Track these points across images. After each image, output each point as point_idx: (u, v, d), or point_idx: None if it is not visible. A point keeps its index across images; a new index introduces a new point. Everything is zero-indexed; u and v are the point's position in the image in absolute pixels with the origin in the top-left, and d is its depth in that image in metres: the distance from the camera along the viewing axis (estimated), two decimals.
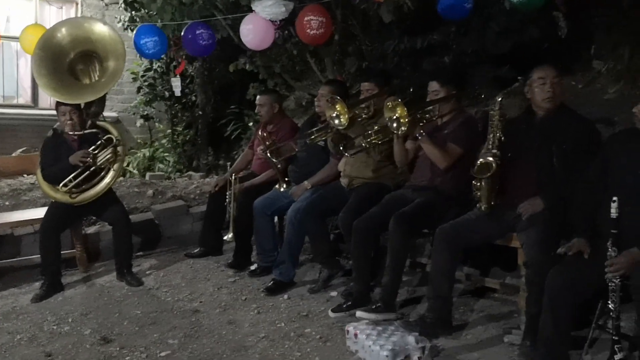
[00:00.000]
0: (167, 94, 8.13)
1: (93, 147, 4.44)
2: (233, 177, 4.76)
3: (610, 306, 2.66)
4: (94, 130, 4.53)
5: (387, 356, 2.98)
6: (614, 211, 2.63)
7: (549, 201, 3.10)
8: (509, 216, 3.25)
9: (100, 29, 4.81)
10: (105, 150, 4.45)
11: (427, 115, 3.64)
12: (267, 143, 4.55)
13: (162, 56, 7.13)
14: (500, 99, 3.24)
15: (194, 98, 8.31)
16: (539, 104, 3.24)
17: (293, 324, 3.68)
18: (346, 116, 3.80)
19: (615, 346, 2.68)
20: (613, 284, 2.63)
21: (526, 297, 3.08)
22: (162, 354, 3.36)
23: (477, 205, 3.31)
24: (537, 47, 5.17)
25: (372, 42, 5.30)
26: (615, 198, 2.63)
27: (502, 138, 3.20)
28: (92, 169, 4.43)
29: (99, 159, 4.44)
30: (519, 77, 3.36)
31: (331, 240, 4.56)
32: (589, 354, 2.97)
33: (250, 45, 4.98)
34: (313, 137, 4.17)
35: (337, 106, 3.84)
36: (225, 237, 4.75)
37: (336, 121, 3.83)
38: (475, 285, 3.94)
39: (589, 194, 2.91)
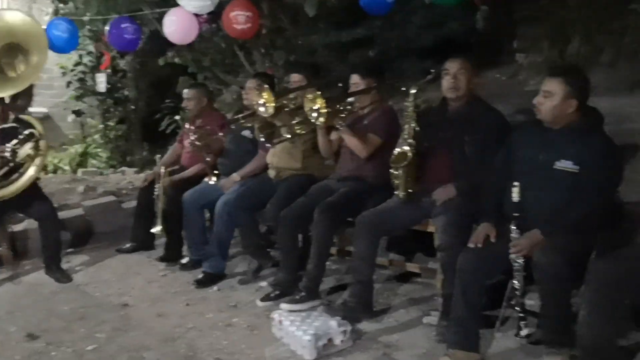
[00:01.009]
0: None
1: (14, 141, 4.36)
2: (163, 170, 4.76)
3: (515, 285, 2.82)
4: (13, 124, 4.44)
5: (309, 340, 3.07)
6: (515, 195, 2.80)
7: (461, 188, 3.25)
8: (425, 203, 3.39)
9: (21, 20, 4.70)
10: (25, 145, 4.37)
11: (349, 107, 3.74)
12: (196, 136, 4.56)
13: (92, 50, 7.01)
14: (413, 91, 3.37)
15: (126, 92, 8.20)
16: (444, 94, 3.38)
17: (222, 314, 3.73)
18: (273, 105, 3.86)
19: (521, 322, 2.84)
20: (517, 264, 2.79)
21: (442, 280, 3.22)
22: (89, 347, 3.35)
23: (396, 192, 3.43)
24: (460, 40, 5.35)
25: (300, 36, 5.38)
26: (516, 183, 2.80)
27: (417, 128, 3.33)
28: (11, 164, 4.34)
29: (19, 154, 4.35)
30: (432, 70, 3.50)
31: (263, 232, 4.63)
32: (501, 331, 3.14)
33: (174, 38, 4.96)
34: (240, 122, 4.22)
35: (264, 94, 3.90)
36: (152, 230, 4.74)
37: (262, 109, 3.89)
38: (400, 270, 4.08)
39: (496, 181, 3.07)
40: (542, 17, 5.35)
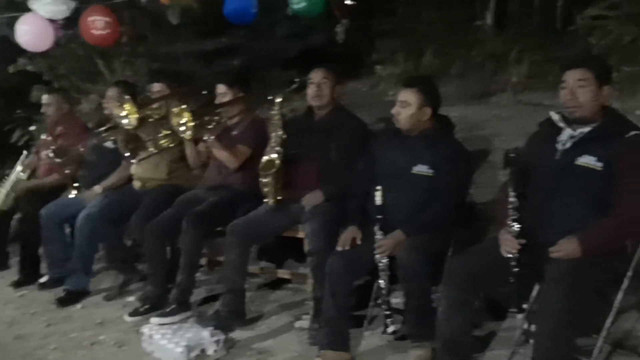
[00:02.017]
0: None
1: None
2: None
3: (381, 284, 2.96)
4: None
5: (181, 352, 3.02)
6: (378, 199, 2.95)
7: (329, 193, 3.36)
8: (294, 209, 3.45)
9: None
10: None
11: (216, 118, 3.73)
12: (53, 147, 4.33)
13: None
14: (279, 100, 3.44)
15: None
16: (309, 103, 3.49)
17: (87, 332, 3.58)
18: (135, 116, 3.76)
19: (387, 320, 2.98)
20: (382, 264, 2.93)
21: (312, 284, 3.30)
22: None
23: (265, 200, 3.47)
24: (323, 51, 5.50)
25: (162, 44, 5.27)
26: (378, 187, 2.94)
27: (284, 136, 3.40)
28: None
29: None
30: (296, 79, 3.61)
31: (128, 245, 4.48)
32: (369, 330, 3.27)
33: (28, 46, 4.69)
34: (103, 135, 4.07)
35: (126, 106, 3.78)
36: None
37: (125, 121, 3.77)
38: (271, 277, 4.12)
39: (359, 185, 3.20)
40: (397, 31, 5.65)
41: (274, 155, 3.38)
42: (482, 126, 4.42)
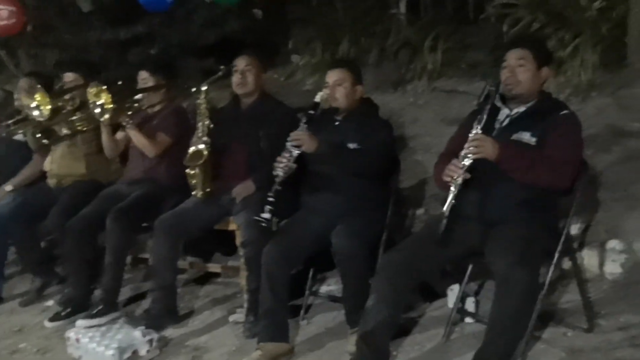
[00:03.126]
0: None
1: None
2: None
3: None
4: None
5: (113, 355, 2.91)
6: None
7: (260, 183, 3.29)
8: (224, 200, 3.38)
9: None
10: None
11: (136, 105, 3.60)
12: None
13: None
14: (205, 88, 3.36)
15: None
16: (234, 91, 3.45)
17: (5, 341, 3.40)
18: (48, 107, 3.55)
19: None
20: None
21: (246, 276, 3.24)
22: None
23: (193, 193, 3.37)
24: (239, 40, 5.41)
25: (72, 33, 5.00)
26: None
27: (211, 126, 3.31)
28: None
29: None
30: (222, 67, 3.53)
31: (43, 246, 4.24)
32: (305, 319, 3.26)
33: None
34: (11, 129, 3.82)
35: (37, 96, 3.57)
36: None
37: (36, 112, 3.56)
38: (199, 272, 4.02)
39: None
40: (313, 20, 5.62)
41: (202, 146, 3.29)
42: (400, 114, 4.50)
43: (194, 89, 3.45)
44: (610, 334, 2.60)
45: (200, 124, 3.35)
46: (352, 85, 3.11)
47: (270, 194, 2.83)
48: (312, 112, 2.98)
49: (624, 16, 4.00)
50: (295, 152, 2.89)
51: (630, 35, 3.96)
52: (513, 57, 2.60)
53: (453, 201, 2.43)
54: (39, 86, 3.61)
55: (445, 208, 2.45)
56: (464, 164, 2.43)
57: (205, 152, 3.29)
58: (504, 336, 2.32)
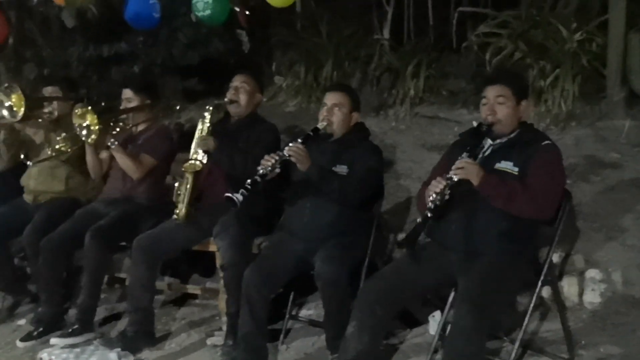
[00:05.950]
0: None
1: None
2: None
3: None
4: None
5: None
6: None
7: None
8: (204, 222, 3.34)
9: None
10: None
11: (121, 124, 3.57)
12: None
13: None
14: (211, 108, 3.35)
15: None
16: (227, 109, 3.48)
17: None
18: (22, 109, 3.50)
19: None
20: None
21: (226, 299, 3.20)
22: None
23: (175, 212, 3.33)
24: (223, 61, 5.41)
25: (53, 48, 4.95)
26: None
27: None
28: None
29: None
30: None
31: (16, 263, 4.13)
32: (285, 343, 3.22)
33: None
34: None
35: (13, 96, 3.52)
36: None
37: (5, 112, 3.51)
38: (176, 294, 3.95)
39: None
40: (297, 43, 5.66)
41: (200, 157, 3.29)
42: (381, 138, 4.54)
43: (177, 108, 3.43)
44: None
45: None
46: (349, 112, 3.10)
47: (248, 181, 2.73)
48: (310, 133, 2.95)
49: (604, 48, 4.10)
50: (286, 157, 2.83)
51: (609, 68, 4.06)
52: (492, 94, 2.63)
53: (432, 206, 2.39)
54: (15, 86, 3.57)
55: (420, 218, 2.45)
56: (449, 176, 2.44)
57: (201, 165, 3.29)
58: None
